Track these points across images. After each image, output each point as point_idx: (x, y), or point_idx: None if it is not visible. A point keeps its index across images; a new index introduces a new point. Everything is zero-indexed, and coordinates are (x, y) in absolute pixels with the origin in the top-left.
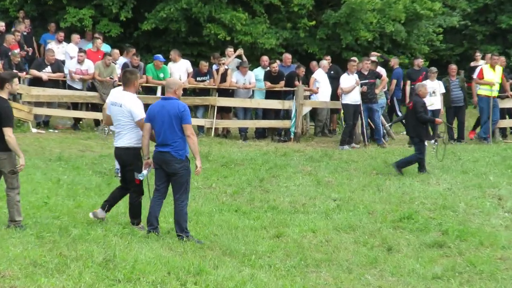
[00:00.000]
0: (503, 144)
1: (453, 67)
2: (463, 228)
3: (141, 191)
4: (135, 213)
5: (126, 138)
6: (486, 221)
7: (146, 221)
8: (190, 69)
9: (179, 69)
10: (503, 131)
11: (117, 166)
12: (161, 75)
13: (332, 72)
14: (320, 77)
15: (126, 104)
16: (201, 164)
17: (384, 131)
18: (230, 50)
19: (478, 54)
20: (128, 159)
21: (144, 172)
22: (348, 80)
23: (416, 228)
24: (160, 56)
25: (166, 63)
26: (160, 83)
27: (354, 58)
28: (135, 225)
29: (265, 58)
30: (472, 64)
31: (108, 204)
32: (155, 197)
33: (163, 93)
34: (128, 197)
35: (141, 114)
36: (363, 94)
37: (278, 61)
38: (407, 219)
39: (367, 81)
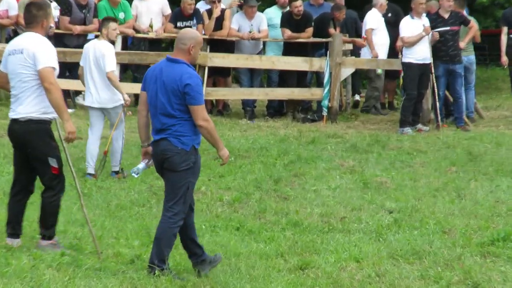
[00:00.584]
0: None
1: None
2: None
3: (61, 186)
4: (48, 221)
5: (28, 105)
6: None
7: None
8: (168, 10)
9: (150, 10)
10: None
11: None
12: (121, 15)
13: (390, 15)
14: (375, 22)
15: (29, 48)
16: (226, 152)
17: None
18: None
19: None
20: (33, 138)
21: (140, 166)
22: (412, 26)
23: None
24: None
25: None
26: (124, 31)
27: None
28: (45, 240)
29: None
30: None
31: (13, 227)
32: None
33: (124, 46)
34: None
35: (48, 61)
36: (437, 49)
37: None
38: (503, 242)
39: (447, 28)
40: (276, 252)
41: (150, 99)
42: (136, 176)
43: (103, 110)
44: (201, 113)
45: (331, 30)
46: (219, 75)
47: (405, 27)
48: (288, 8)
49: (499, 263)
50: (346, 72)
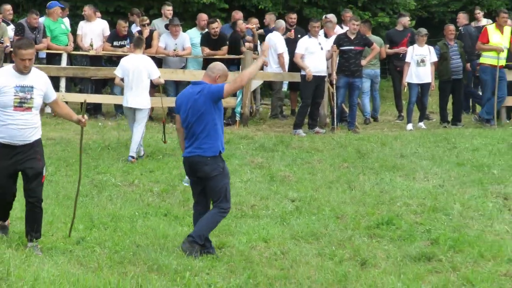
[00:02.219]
0: (511, 127)
1: (451, 28)
2: (458, 236)
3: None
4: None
5: None
6: (488, 227)
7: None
8: (107, 32)
9: (93, 31)
10: (509, 111)
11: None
12: (62, 26)
13: (299, 35)
14: (276, 42)
15: None
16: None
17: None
18: (167, 8)
19: (479, 12)
20: None
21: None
22: (308, 44)
23: (397, 236)
24: (56, 1)
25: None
26: (64, 49)
27: (317, 20)
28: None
29: (203, 17)
30: (473, 24)
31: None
32: None
33: (69, 61)
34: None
35: None
36: (341, 64)
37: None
38: (386, 225)
39: (352, 47)
40: None
41: (183, 119)
42: (186, 184)
43: (134, 110)
44: (228, 86)
45: (243, 49)
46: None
47: (301, 45)
48: (206, 30)
49: (383, 243)
50: (255, 83)
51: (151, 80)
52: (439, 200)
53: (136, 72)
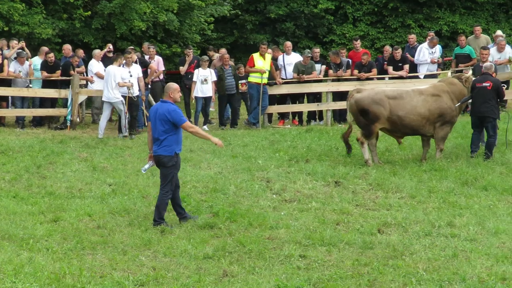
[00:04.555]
0: (271, 129)
1: (227, 56)
2: (233, 209)
3: None
4: None
5: None
6: (255, 203)
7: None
8: None
9: None
10: (270, 116)
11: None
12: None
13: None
14: (94, 66)
15: None
16: (216, 140)
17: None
18: (14, 42)
19: (212, 50)
20: None
21: (147, 165)
22: (121, 72)
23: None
24: None
25: None
26: None
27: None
28: None
29: (44, 49)
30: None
31: None
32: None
33: None
34: None
35: None
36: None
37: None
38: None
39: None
40: (39, 211)
41: (152, 125)
42: (144, 172)
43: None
44: (187, 126)
45: (72, 72)
46: (2, 101)
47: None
48: (44, 58)
49: (176, 216)
50: (81, 98)
51: None
52: (218, 183)
53: (109, 76)
